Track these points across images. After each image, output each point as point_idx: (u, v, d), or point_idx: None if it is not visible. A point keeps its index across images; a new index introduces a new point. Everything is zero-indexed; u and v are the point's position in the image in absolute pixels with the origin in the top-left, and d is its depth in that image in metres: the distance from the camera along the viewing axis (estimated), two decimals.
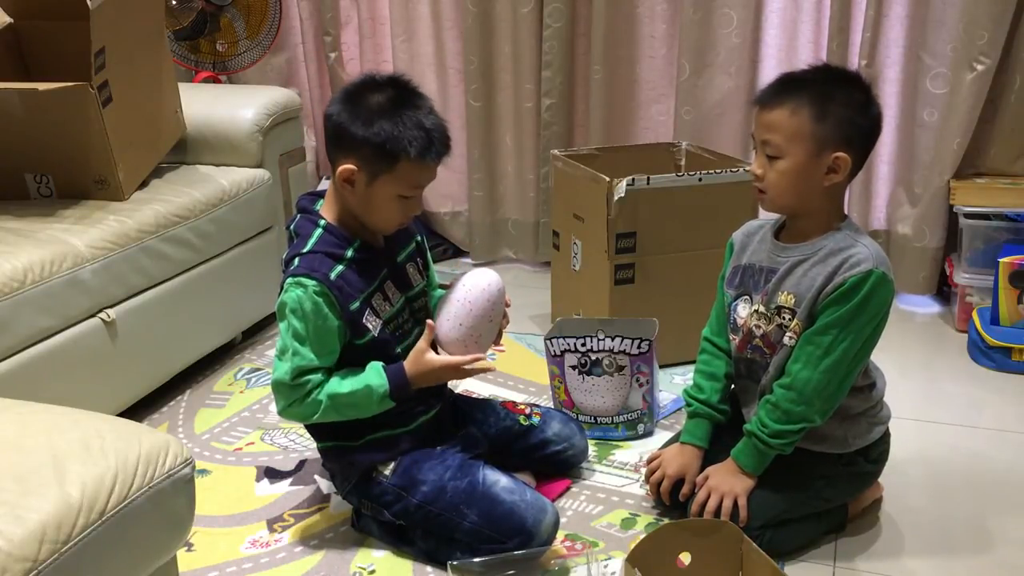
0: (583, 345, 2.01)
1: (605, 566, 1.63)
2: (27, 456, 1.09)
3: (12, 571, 0.94)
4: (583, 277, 2.46)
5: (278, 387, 1.58)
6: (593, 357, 2.01)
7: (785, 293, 1.62)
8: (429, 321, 1.64)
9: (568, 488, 1.88)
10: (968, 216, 2.53)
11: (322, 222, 1.63)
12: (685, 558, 1.47)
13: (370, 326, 1.61)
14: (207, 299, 2.35)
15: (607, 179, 2.25)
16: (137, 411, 2.19)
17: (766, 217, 1.75)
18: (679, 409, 2.15)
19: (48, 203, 2.21)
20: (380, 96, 1.55)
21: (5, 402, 1.25)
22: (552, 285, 2.69)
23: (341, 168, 1.57)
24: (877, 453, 1.71)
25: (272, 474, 1.97)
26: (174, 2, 2.97)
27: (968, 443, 2.05)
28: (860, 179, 2.66)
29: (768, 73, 2.78)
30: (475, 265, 3.18)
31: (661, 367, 2.21)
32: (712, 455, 1.73)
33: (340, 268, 1.59)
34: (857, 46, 2.64)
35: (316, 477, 1.95)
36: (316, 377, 1.57)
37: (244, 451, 2.07)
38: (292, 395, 1.57)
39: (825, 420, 1.61)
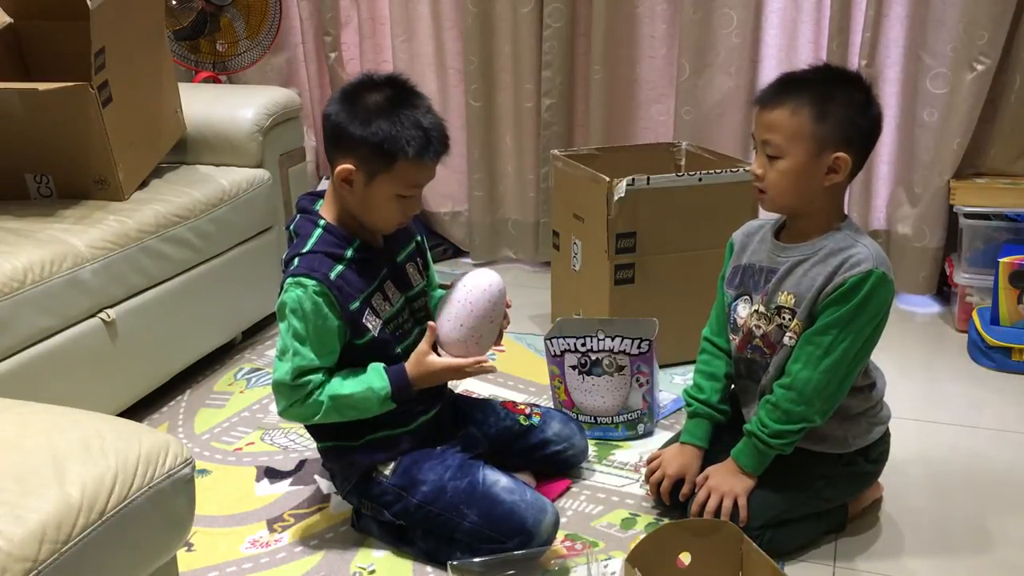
0: (583, 345, 2.01)
1: (605, 566, 1.63)
2: (27, 456, 1.09)
3: (12, 571, 0.94)
4: (583, 277, 2.46)
5: (279, 388, 1.58)
6: (593, 357, 2.01)
7: (785, 293, 1.62)
8: (431, 323, 1.64)
9: (568, 488, 1.88)
10: (968, 216, 2.53)
11: (322, 222, 1.63)
12: (685, 558, 1.47)
13: (370, 326, 1.61)
14: (207, 299, 2.35)
15: (607, 179, 2.25)
16: (137, 411, 2.19)
17: (766, 217, 1.75)
18: (679, 409, 2.15)
19: (48, 203, 2.21)
20: (378, 96, 1.55)
21: (5, 402, 1.25)
22: (552, 285, 2.69)
23: (339, 168, 1.57)
24: (877, 453, 1.71)
25: (272, 474, 1.97)
26: (174, 2, 2.97)
27: (968, 443, 2.05)
28: (860, 179, 2.66)
29: (768, 73, 2.78)
30: (475, 265, 3.18)
31: (661, 367, 2.21)
32: (712, 455, 1.73)
33: (340, 268, 1.59)
34: (857, 46, 2.64)
35: (316, 477, 1.95)
36: (317, 377, 1.57)
37: (244, 451, 2.07)
38: (293, 396, 1.57)
39: (825, 420, 1.61)
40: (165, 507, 1.16)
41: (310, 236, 1.62)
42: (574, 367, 2.03)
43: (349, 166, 1.56)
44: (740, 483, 1.64)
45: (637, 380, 2.02)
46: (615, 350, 2.00)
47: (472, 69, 3.00)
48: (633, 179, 2.24)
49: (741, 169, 2.32)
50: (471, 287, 1.64)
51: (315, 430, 1.72)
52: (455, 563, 1.57)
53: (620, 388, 2.02)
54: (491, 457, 1.75)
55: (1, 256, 1.86)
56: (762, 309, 1.65)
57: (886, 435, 1.73)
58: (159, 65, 2.43)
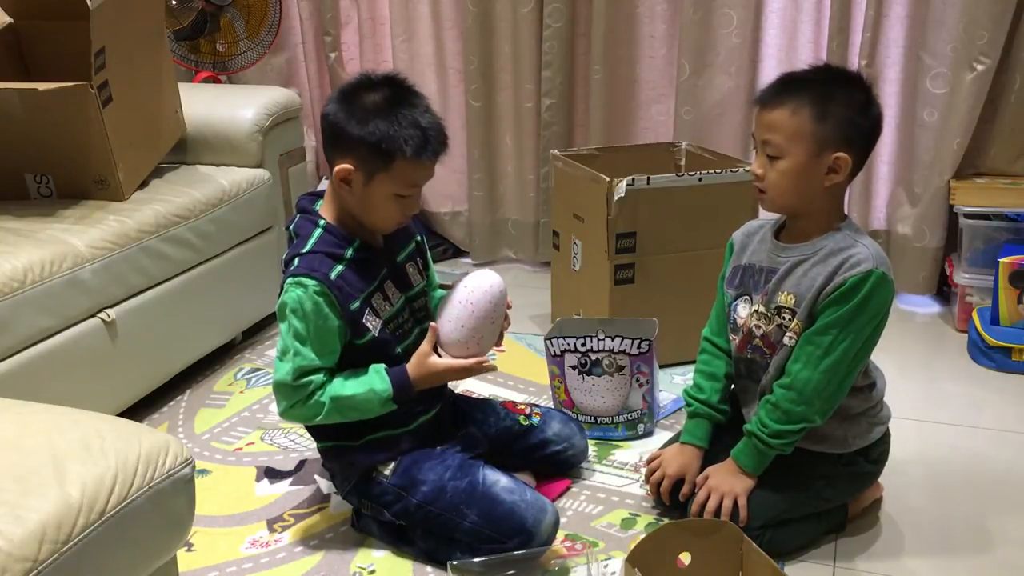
0: (583, 345, 2.01)
1: (605, 566, 1.63)
2: (27, 456, 1.09)
3: (12, 571, 0.94)
4: (583, 277, 2.46)
5: (280, 388, 1.58)
6: (593, 357, 2.01)
7: (785, 293, 1.62)
8: (432, 324, 1.64)
9: (568, 488, 1.88)
10: (968, 216, 2.53)
11: (322, 222, 1.63)
12: (685, 558, 1.47)
13: (370, 326, 1.61)
14: (207, 299, 2.35)
15: (607, 179, 2.25)
16: (137, 411, 2.19)
17: (766, 217, 1.75)
18: (679, 409, 2.15)
19: (48, 203, 2.21)
20: (376, 95, 1.55)
21: (5, 402, 1.25)
22: (552, 285, 2.69)
23: (338, 168, 1.57)
24: (877, 453, 1.71)
25: (272, 474, 1.97)
26: (174, 2, 2.97)
27: (968, 443, 2.05)
28: (860, 179, 2.66)
29: (768, 73, 2.78)
30: (475, 265, 3.18)
31: (661, 367, 2.21)
32: (712, 455, 1.73)
33: (340, 268, 1.59)
34: (857, 46, 2.64)
35: (316, 477, 1.95)
36: (318, 378, 1.57)
37: (244, 451, 2.07)
38: (294, 396, 1.57)
39: (825, 420, 1.61)
40: (165, 507, 1.16)
41: (310, 236, 1.62)
42: (574, 367, 2.03)
43: (347, 166, 1.56)
44: (740, 483, 1.64)
45: (637, 380, 2.02)
46: (615, 350, 2.00)
47: (472, 69, 3.00)
48: (633, 179, 2.24)
49: (741, 169, 2.32)
50: (472, 288, 1.64)
51: (315, 430, 1.72)
52: (455, 563, 1.57)
53: (620, 388, 2.02)
54: (491, 457, 1.75)
55: (1, 256, 1.86)
56: (762, 309, 1.65)
57: (886, 435, 1.73)
58: (159, 65, 2.43)
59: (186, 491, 1.19)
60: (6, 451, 1.10)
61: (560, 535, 1.69)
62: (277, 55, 3.30)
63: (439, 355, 1.64)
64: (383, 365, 1.62)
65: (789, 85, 1.58)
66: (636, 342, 1.99)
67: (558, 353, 2.04)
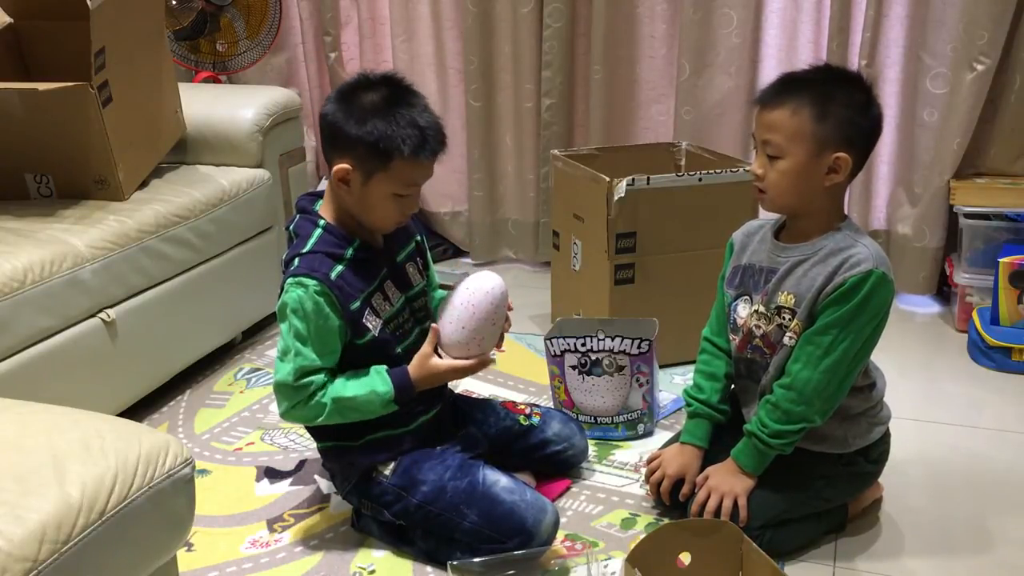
0: (583, 345, 2.01)
1: (605, 566, 1.63)
2: (27, 456, 1.09)
3: (12, 571, 0.94)
4: (583, 277, 2.46)
5: (281, 389, 1.58)
6: (593, 357, 2.01)
7: (785, 293, 1.62)
8: (434, 325, 1.64)
9: (568, 488, 1.88)
10: (968, 216, 2.53)
11: (321, 222, 1.63)
12: (685, 558, 1.47)
13: (370, 326, 1.61)
14: (207, 299, 2.35)
15: (607, 179, 2.25)
16: (137, 411, 2.19)
17: (766, 217, 1.75)
18: (679, 409, 2.15)
19: (48, 203, 2.21)
20: (374, 95, 1.55)
21: (5, 402, 1.25)
22: (552, 285, 2.69)
23: (336, 168, 1.57)
24: (877, 453, 1.71)
25: (272, 474, 1.97)
26: (174, 2, 2.97)
27: (968, 443, 2.05)
28: (860, 179, 2.66)
29: (768, 73, 2.78)
30: (475, 265, 3.18)
31: (661, 367, 2.21)
32: (712, 455, 1.73)
33: (340, 268, 1.59)
34: (857, 46, 2.64)
35: (316, 477, 1.95)
36: (319, 378, 1.57)
37: (244, 451, 2.07)
38: (295, 397, 1.57)
39: (825, 420, 1.61)
40: (165, 507, 1.16)
41: (310, 236, 1.62)
42: (574, 367, 2.03)
43: (346, 166, 1.56)
44: (740, 483, 1.64)
45: (637, 380, 2.02)
46: (615, 350, 2.00)
47: (472, 69, 3.00)
48: (633, 179, 2.24)
49: (741, 169, 2.32)
50: (473, 289, 1.64)
51: (315, 430, 1.72)
52: (455, 563, 1.57)
53: (620, 388, 2.02)
54: (491, 457, 1.75)
55: (1, 256, 1.86)
56: (762, 309, 1.65)
57: (886, 435, 1.73)
58: (159, 65, 2.43)
59: (186, 491, 1.19)
60: (6, 451, 1.10)
61: (560, 535, 1.69)
62: (277, 55, 3.30)
63: (440, 356, 1.64)
64: (384, 366, 1.62)
65: (789, 85, 1.58)
66: (636, 342, 1.99)
67: (558, 353, 2.04)
